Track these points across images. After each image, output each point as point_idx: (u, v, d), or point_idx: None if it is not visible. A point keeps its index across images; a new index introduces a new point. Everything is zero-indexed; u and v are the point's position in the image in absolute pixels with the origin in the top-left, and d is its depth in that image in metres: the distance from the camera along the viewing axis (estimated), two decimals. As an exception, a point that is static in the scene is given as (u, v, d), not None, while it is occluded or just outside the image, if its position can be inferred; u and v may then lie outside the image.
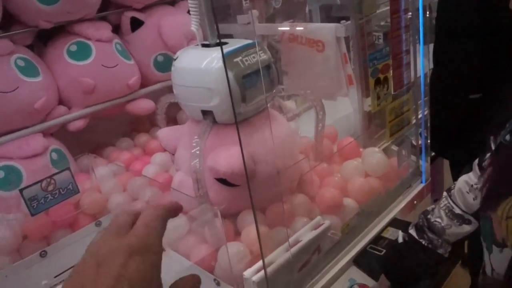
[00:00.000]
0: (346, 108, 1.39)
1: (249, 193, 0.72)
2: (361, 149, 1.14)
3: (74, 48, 1.24)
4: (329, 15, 1.94)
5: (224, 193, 0.88)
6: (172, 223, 0.95)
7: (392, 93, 1.08)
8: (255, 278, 0.75)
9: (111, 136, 1.34)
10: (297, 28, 1.30)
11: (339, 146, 1.15)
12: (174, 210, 0.44)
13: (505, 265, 0.61)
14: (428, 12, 1.15)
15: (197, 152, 0.84)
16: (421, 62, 1.18)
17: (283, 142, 0.93)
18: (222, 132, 0.89)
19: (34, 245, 0.94)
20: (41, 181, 0.92)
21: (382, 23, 1.28)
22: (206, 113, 0.88)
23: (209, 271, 0.82)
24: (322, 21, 1.94)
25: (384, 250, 0.89)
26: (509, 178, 0.60)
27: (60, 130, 1.21)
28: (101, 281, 0.34)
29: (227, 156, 0.84)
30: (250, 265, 0.78)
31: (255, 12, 1.44)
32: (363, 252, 0.89)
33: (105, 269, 0.35)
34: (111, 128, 1.36)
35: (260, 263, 0.77)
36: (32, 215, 0.89)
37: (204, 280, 0.85)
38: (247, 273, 0.76)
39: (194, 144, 0.85)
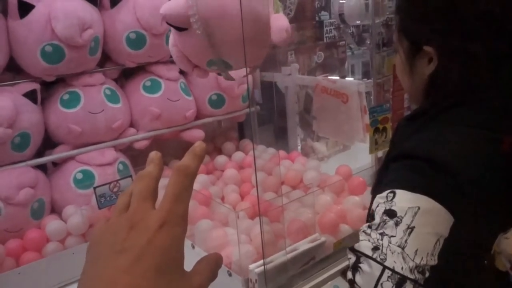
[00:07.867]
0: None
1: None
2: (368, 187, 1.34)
3: (148, 83, 1.57)
4: (368, 70, 2.18)
5: (181, 39, 0.97)
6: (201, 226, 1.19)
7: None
8: (257, 270, 0.99)
9: (166, 156, 1.64)
10: (327, 82, 1.56)
11: (350, 183, 1.36)
12: (195, 169, 0.40)
13: None
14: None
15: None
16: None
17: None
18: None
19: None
20: (109, 183, 1.21)
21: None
22: None
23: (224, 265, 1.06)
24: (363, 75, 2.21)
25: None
26: None
27: (128, 147, 1.53)
28: (131, 242, 0.35)
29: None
30: (255, 261, 1.02)
31: (296, 65, 1.71)
32: (350, 268, 1.09)
33: (136, 233, 0.36)
34: (167, 150, 1.66)
35: (262, 260, 1.01)
36: (99, 208, 1.18)
37: (220, 272, 1.09)
38: (252, 266, 1.00)
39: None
